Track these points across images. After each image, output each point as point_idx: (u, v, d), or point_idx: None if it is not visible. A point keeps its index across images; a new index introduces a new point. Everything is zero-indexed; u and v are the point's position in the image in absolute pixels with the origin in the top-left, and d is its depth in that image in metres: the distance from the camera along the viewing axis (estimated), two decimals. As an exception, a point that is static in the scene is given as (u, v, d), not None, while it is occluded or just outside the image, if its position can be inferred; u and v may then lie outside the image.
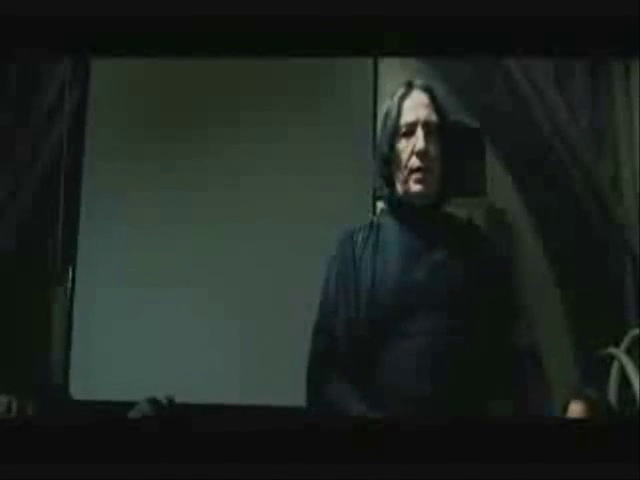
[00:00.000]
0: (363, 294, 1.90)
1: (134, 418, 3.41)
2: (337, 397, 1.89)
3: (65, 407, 4.63)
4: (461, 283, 1.89)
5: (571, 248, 4.76)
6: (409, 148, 1.95)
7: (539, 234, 5.00)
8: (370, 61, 4.74)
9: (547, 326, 4.68)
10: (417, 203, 1.96)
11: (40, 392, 4.54)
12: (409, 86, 2.04)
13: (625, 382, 4.22)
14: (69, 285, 4.89)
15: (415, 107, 1.98)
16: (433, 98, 2.02)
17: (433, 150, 1.95)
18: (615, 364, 4.30)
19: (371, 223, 2.02)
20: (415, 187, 1.94)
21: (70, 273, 4.90)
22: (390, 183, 2.00)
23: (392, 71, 4.63)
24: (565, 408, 3.22)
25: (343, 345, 1.90)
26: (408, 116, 1.97)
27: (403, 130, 1.97)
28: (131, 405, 3.65)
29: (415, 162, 1.94)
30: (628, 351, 4.28)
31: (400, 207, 1.99)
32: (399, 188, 1.98)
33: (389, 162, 1.99)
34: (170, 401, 4.00)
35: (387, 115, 2.01)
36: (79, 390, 4.71)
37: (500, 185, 5.14)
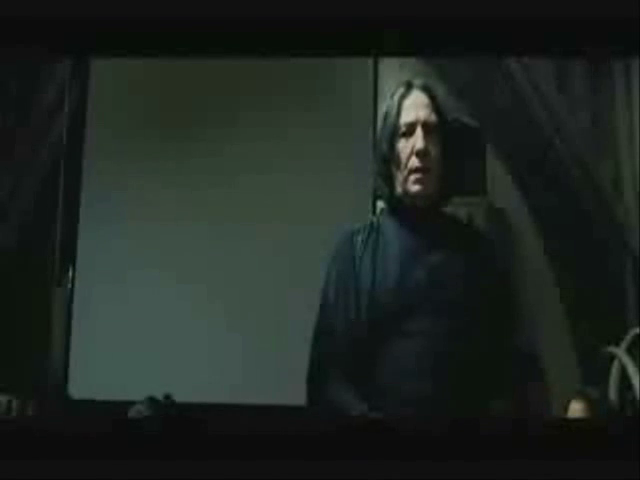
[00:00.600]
0: (363, 294, 1.89)
1: (133, 418, 3.41)
2: (338, 397, 1.88)
3: (64, 407, 4.63)
4: (461, 283, 1.89)
5: (571, 248, 4.76)
6: (408, 148, 1.94)
7: (539, 233, 4.99)
8: (370, 61, 4.74)
9: (547, 325, 4.69)
10: (416, 203, 1.95)
11: (39, 392, 4.54)
12: (408, 86, 2.02)
13: (626, 381, 4.21)
14: (69, 285, 4.89)
15: (415, 107, 1.97)
16: (432, 98, 2.00)
17: (433, 150, 1.94)
18: (615, 363, 4.29)
19: (371, 223, 2.01)
20: (414, 187, 1.93)
21: (70, 273, 4.90)
22: (389, 183, 1.99)
23: (392, 71, 4.62)
24: (565, 407, 3.22)
25: (343, 345, 1.89)
26: (407, 116, 1.96)
27: (402, 130, 1.96)
28: (130, 405, 3.65)
29: (414, 162, 1.93)
30: (629, 350, 4.27)
31: (400, 207, 1.99)
32: (398, 188, 1.97)
33: (388, 162, 1.98)
34: (169, 400, 4.00)
35: (386, 115, 2.00)
36: (78, 390, 4.70)
37: (500, 184, 5.14)
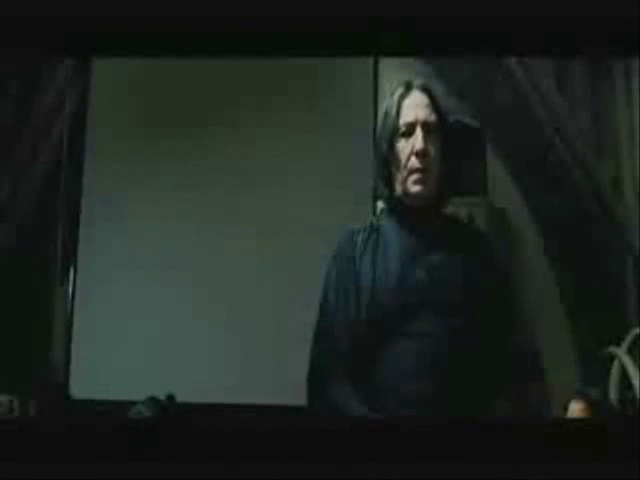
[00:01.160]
0: (364, 295, 1.89)
1: (134, 418, 3.41)
2: (338, 398, 1.88)
3: (65, 407, 4.62)
4: (461, 283, 1.89)
5: (572, 247, 4.75)
6: (408, 148, 1.94)
7: (540, 233, 4.99)
8: (370, 61, 4.73)
9: (548, 325, 4.69)
10: (416, 204, 1.95)
11: (40, 392, 4.54)
12: (408, 86, 2.01)
13: (626, 381, 4.22)
14: (70, 285, 4.89)
15: (414, 107, 1.97)
16: (432, 98, 2.00)
17: (432, 150, 1.94)
18: (616, 363, 4.30)
19: (371, 224, 2.01)
20: (414, 188, 1.93)
21: (71, 273, 4.90)
22: (389, 183, 1.99)
23: (392, 71, 4.62)
24: (565, 407, 3.22)
25: (343, 345, 1.89)
26: (407, 116, 1.96)
27: (402, 130, 1.95)
28: (131, 404, 3.65)
29: (414, 162, 1.93)
30: (629, 350, 4.28)
31: (399, 208, 1.99)
32: (398, 188, 1.97)
33: (388, 162, 1.98)
34: (170, 399, 4.00)
35: (386, 115, 2.00)
36: (79, 390, 4.70)
37: (501, 185, 5.14)
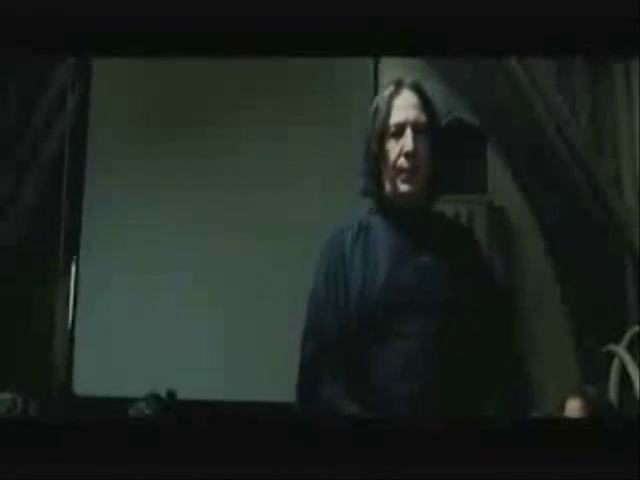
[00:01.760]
0: (353, 294, 1.88)
1: (134, 416, 3.41)
2: (329, 398, 1.86)
3: (68, 404, 4.63)
4: (449, 283, 1.88)
5: (572, 246, 4.74)
6: (397, 148, 1.92)
7: (540, 232, 4.98)
8: (370, 61, 4.72)
9: (548, 324, 4.68)
10: (405, 203, 1.94)
11: (43, 389, 4.54)
12: (399, 84, 1.98)
13: (626, 379, 4.23)
14: (72, 283, 4.90)
15: (404, 107, 1.94)
16: (423, 97, 1.97)
17: (422, 151, 1.92)
18: (616, 361, 4.31)
19: (359, 223, 1.99)
20: (403, 187, 1.92)
21: (73, 271, 4.90)
22: (378, 182, 1.97)
23: (392, 71, 4.61)
24: (563, 405, 3.23)
25: (332, 345, 1.89)
26: (397, 116, 1.93)
27: (392, 130, 1.93)
28: (133, 401, 3.66)
29: (403, 163, 1.91)
30: (629, 349, 4.29)
31: (388, 207, 1.97)
32: (387, 187, 1.95)
33: (377, 160, 1.95)
34: (171, 396, 4.01)
35: (376, 114, 1.97)
36: (82, 387, 4.70)
37: (501, 183, 5.14)
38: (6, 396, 3.62)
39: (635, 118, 4.68)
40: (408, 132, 1.92)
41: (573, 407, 3.19)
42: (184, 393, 4.05)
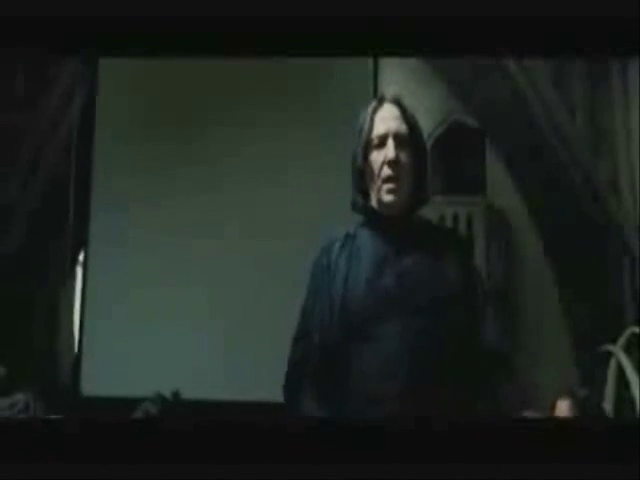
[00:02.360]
0: (336, 302, 1.93)
1: (139, 417, 3.40)
2: (305, 404, 1.92)
3: (75, 404, 4.61)
4: (429, 288, 1.92)
5: (570, 247, 4.72)
6: (380, 158, 1.96)
7: (538, 232, 4.96)
8: (370, 61, 4.68)
9: (546, 324, 4.66)
10: (389, 212, 1.99)
11: (51, 389, 4.53)
12: (380, 100, 2.04)
13: (623, 379, 4.21)
14: (79, 285, 4.88)
15: (386, 119, 2.00)
16: (403, 110, 2.02)
17: (404, 159, 1.97)
18: (613, 361, 4.30)
19: (347, 234, 2.04)
20: (387, 197, 1.96)
21: (80, 274, 4.88)
22: (365, 194, 2.02)
23: (392, 71, 4.59)
24: (553, 406, 3.26)
25: (317, 354, 1.94)
26: (379, 128, 1.99)
27: (375, 142, 1.98)
28: (138, 401, 3.65)
29: (386, 171, 1.95)
30: (626, 348, 4.28)
31: (374, 217, 2.02)
32: (373, 198, 2.00)
33: (363, 173, 2.01)
34: (175, 396, 3.99)
35: (360, 129, 2.02)
36: (89, 387, 4.69)
37: (500, 184, 5.12)
38: (18, 397, 3.62)
39: (632, 119, 4.65)
40: (390, 142, 1.97)
41: (562, 408, 3.23)
42: (189, 393, 4.04)
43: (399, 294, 1.89)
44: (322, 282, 1.98)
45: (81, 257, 4.91)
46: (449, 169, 5.51)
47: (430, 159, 2.12)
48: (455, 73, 4.75)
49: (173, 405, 3.84)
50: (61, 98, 4.93)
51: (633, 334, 4.29)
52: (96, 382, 4.64)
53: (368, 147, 1.98)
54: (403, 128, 1.98)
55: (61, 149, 4.95)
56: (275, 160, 4.76)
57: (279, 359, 1.94)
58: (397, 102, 2.02)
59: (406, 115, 2.01)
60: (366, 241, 1.99)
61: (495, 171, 5.15)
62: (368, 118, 2.00)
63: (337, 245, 2.01)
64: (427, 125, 4.94)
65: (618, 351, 4.26)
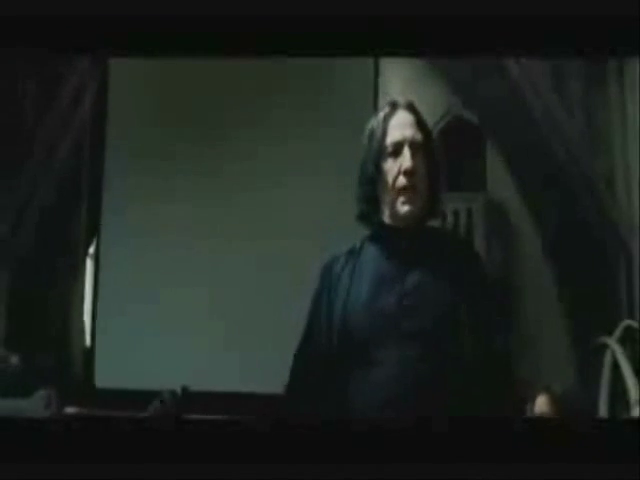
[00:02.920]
0: (335, 321, 1.79)
1: (149, 416, 3.37)
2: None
3: (89, 396, 4.55)
4: (432, 310, 1.75)
5: (569, 244, 4.65)
6: (396, 167, 1.81)
7: (537, 229, 4.88)
8: (370, 61, 4.58)
9: (544, 321, 4.59)
10: (403, 224, 1.83)
11: (65, 382, 4.49)
12: (393, 106, 1.89)
13: (618, 372, 4.15)
14: (91, 281, 4.83)
15: (401, 126, 1.85)
16: (418, 117, 1.88)
17: (420, 169, 1.81)
18: (608, 353, 4.25)
19: (352, 248, 1.89)
20: (403, 208, 1.81)
21: (92, 270, 4.82)
22: (375, 205, 1.86)
23: (392, 71, 4.49)
24: (533, 401, 3.24)
25: (315, 372, 1.81)
26: (394, 135, 1.83)
27: (389, 150, 1.83)
28: (152, 393, 3.60)
29: (402, 181, 1.80)
30: (621, 341, 4.22)
31: (383, 230, 1.86)
32: (386, 210, 1.84)
33: (374, 183, 1.84)
34: (185, 391, 3.94)
35: (371, 135, 1.87)
36: (103, 379, 4.63)
37: (499, 181, 5.04)
38: (41, 393, 3.59)
39: (628, 118, 4.57)
40: (406, 150, 1.82)
41: (540, 403, 3.20)
42: (199, 385, 3.97)
43: (399, 318, 1.74)
44: (322, 301, 1.84)
45: (93, 252, 4.86)
46: (449, 165, 5.44)
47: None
48: (455, 73, 4.66)
49: (184, 400, 3.79)
50: (72, 97, 4.84)
51: (628, 327, 4.25)
52: (110, 375, 4.59)
53: (381, 155, 1.83)
54: (419, 136, 1.84)
55: (73, 147, 4.87)
56: (274, 160, 4.66)
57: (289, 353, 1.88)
58: (411, 108, 1.88)
59: (421, 122, 1.86)
60: (370, 258, 1.84)
61: (495, 168, 5.06)
62: (381, 124, 1.85)
63: (340, 263, 1.86)
64: (427, 122, 4.86)
65: (613, 343, 4.20)
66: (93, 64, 4.80)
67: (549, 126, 4.64)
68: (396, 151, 1.83)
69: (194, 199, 4.73)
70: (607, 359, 4.23)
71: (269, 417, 1.65)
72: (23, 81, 4.83)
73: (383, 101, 4.03)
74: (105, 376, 4.67)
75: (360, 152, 1.91)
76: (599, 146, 4.64)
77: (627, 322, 4.26)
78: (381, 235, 1.86)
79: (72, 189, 4.87)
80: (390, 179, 1.82)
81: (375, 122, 1.88)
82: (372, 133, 1.87)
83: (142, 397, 3.57)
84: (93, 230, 4.84)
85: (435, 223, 1.94)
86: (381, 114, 1.88)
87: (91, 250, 4.92)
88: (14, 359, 3.97)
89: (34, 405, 3.49)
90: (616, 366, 4.16)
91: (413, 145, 1.82)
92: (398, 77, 4.69)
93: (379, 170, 1.83)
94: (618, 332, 4.25)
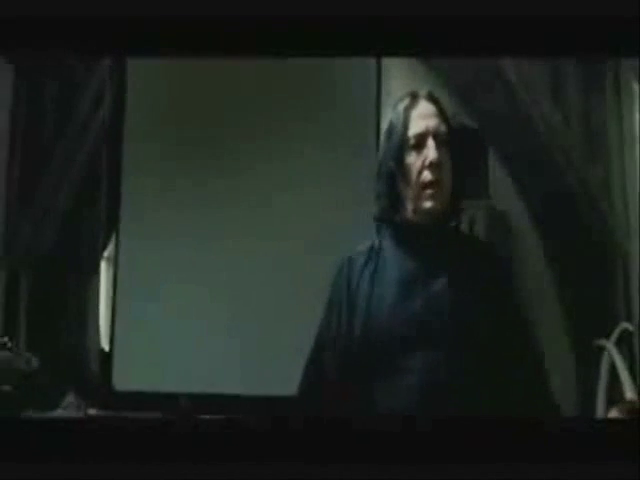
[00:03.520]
0: (356, 326, 1.62)
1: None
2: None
3: (108, 399, 4.45)
4: (459, 316, 1.58)
5: (571, 249, 4.55)
6: (420, 161, 1.65)
7: (540, 236, 4.77)
8: (373, 60, 4.46)
9: (546, 326, 4.47)
10: (427, 221, 1.67)
11: (84, 384, 4.41)
12: (414, 96, 1.74)
13: (615, 373, 4.10)
14: (111, 283, 4.74)
15: (424, 117, 1.69)
16: (440, 107, 1.74)
17: (445, 161, 1.66)
18: (605, 355, 4.19)
19: (371, 248, 1.72)
20: (428, 204, 1.65)
21: (111, 271, 4.74)
22: (397, 202, 1.69)
23: (395, 71, 4.39)
24: None
25: (331, 377, 1.66)
26: (417, 127, 1.68)
27: (412, 142, 1.67)
28: (169, 397, 3.52)
29: (427, 175, 1.64)
30: (618, 343, 4.19)
31: (405, 228, 1.69)
32: (409, 206, 1.68)
33: (395, 178, 1.68)
34: (202, 394, 3.85)
35: (392, 128, 1.71)
36: (122, 382, 4.53)
37: (502, 188, 4.93)
38: (69, 399, 3.52)
39: (625, 122, 4.50)
40: (430, 142, 1.67)
41: None
42: (219, 388, 3.91)
43: (425, 324, 1.58)
44: (340, 305, 1.67)
45: (112, 255, 4.77)
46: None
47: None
48: (456, 78, 4.56)
49: (202, 402, 3.70)
50: (91, 99, 4.76)
51: (624, 330, 4.20)
52: (129, 377, 4.49)
53: (403, 149, 1.68)
54: (442, 127, 1.69)
55: (92, 150, 4.79)
56: (275, 160, 4.53)
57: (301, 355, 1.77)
58: (432, 98, 1.74)
59: (443, 112, 1.72)
60: (393, 257, 1.68)
61: (497, 174, 4.95)
62: (401, 117, 1.70)
63: (358, 263, 1.70)
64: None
65: (610, 346, 4.16)
66: (111, 65, 4.70)
67: (548, 133, 4.54)
68: (419, 143, 1.68)
69: (213, 201, 4.61)
70: (605, 361, 4.16)
71: (279, 418, 1.56)
72: (43, 86, 4.76)
73: (386, 102, 3.93)
74: (124, 379, 4.55)
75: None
76: (595, 152, 4.53)
77: (624, 325, 4.21)
78: (404, 233, 1.70)
79: (91, 192, 4.79)
80: (414, 173, 1.67)
81: (394, 115, 1.73)
82: (392, 127, 1.72)
83: (160, 399, 3.49)
84: (111, 233, 4.75)
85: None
86: (401, 106, 1.73)
87: (109, 253, 4.83)
88: (35, 362, 3.91)
89: (66, 413, 3.42)
90: (614, 368, 4.10)
91: (437, 136, 1.68)
92: (401, 77, 4.59)
93: (401, 165, 1.68)
94: (615, 335, 4.20)
